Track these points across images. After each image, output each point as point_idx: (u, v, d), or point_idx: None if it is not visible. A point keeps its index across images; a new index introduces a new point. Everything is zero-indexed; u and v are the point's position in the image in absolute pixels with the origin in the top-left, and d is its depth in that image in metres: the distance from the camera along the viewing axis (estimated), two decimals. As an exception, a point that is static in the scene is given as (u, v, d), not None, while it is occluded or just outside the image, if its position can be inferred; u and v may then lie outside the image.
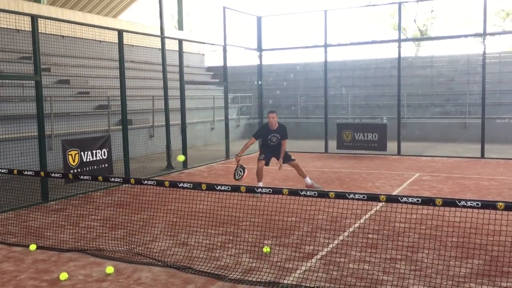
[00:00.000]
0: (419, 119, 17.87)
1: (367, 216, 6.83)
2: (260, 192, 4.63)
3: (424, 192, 8.60)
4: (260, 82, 15.80)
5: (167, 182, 5.08)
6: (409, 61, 19.55)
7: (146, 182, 5.34)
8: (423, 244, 5.49)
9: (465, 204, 3.93)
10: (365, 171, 11.14)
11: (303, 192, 4.48)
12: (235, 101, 20.66)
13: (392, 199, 4.33)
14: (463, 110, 17.59)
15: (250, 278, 4.55)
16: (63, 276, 4.67)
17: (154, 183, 5.32)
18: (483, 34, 12.72)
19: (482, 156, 12.67)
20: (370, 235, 5.91)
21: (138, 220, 6.79)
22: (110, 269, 4.81)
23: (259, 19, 15.35)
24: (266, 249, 5.37)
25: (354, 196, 4.26)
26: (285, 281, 4.49)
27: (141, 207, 7.29)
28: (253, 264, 4.97)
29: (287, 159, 8.89)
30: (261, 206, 6.85)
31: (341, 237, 5.92)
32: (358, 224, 6.46)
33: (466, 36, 15.21)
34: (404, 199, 4.17)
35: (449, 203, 4.04)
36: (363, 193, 4.29)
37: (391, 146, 13.66)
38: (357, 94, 19.57)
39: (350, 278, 4.56)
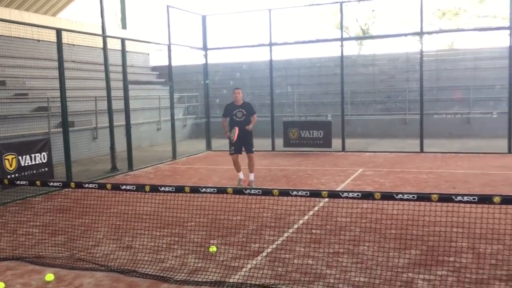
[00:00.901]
0: (362, 116, 18.39)
1: (311, 212, 6.95)
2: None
3: (366, 186, 8.87)
4: (207, 82, 15.73)
5: (109, 185, 4.97)
6: (352, 60, 20.06)
7: (87, 185, 5.19)
8: (364, 237, 5.66)
9: (402, 197, 4.09)
10: (311, 168, 11.34)
11: (248, 191, 4.51)
12: (181, 100, 20.45)
13: (333, 194, 4.45)
14: (403, 107, 18.27)
15: (196, 279, 4.54)
16: (0, 286, 4.47)
17: (95, 186, 5.19)
18: (420, 33, 13.26)
19: (421, 151, 13.21)
20: (314, 231, 6.03)
21: (80, 225, 6.59)
22: (49, 277, 4.64)
23: (204, 18, 15.28)
24: (212, 248, 5.36)
25: (298, 193, 4.34)
26: (231, 280, 4.51)
27: (83, 211, 7.07)
28: (199, 265, 4.95)
29: (249, 149, 9.06)
30: (206, 206, 6.82)
31: (286, 234, 6.01)
32: (303, 221, 6.58)
33: (404, 35, 15.76)
34: (345, 194, 4.28)
35: (387, 196, 4.20)
36: (306, 190, 4.37)
37: (336, 142, 13.98)
38: (303, 92, 19.88)
39: (294, 274, 4.63)
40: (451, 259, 4.85)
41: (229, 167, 11.60)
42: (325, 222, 6.32)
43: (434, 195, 3.99)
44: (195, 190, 4.68)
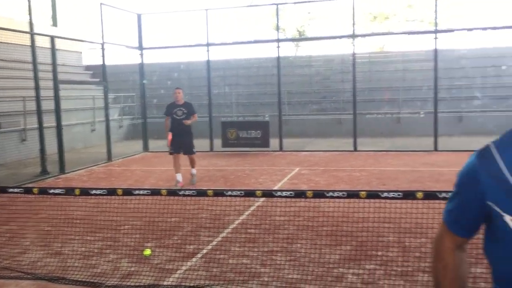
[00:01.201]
0: (299, 116, 18.74)
1: (248, 212, 7.00)
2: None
3: (302, 185, 9.06)
4: (144, 81, 15.44)
5: (36, 189, 4.76)
6: (290, 61, 20.40)
7: (12, 190, 4.95)
8: (298, 235, 5.78)
9: (333, 195, 4.22)
10: (249, 167, 11.43)
11: (182, 192, 4.48)
12: (117, 101, 19.93)
13: (268, 194, 4.51)
14: (338, 107, 18.80)
15: (128, 283, 4.45)
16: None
17: (21, 190, 4.95)
18: (353, 36, 13.71)
19: (355, 149, 13.67)
20: (250, 230, 6.08)
21: (5, 232, 6.26)
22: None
23: (139, 17, 14.98)
24: (146, 252, 5.27)
25: (232, 193, 4.36)
26: (165, 283, 4.46)
27: (9, 217, 6.72)
28: (133, 269, 4.86)
29: (189, 150, 9.26)
30: (142, 208, 6.67)
31: (222, 234, 6.02)
32: (240, 220, 6.61)
33: (338, 37, 16.22)
34: (279, 193, 4.36)
35: (319, 195, 4.31)
36: (241, 190, 4.40)
37: (274, 142, 14.17)
38: (241, 92, 19.98)
39: (229, 274, 4.65)
40: (380, 253, 5.06)
41: (166, 168, 11.46)
42: (261, 221, 6.40)
43: (363, 192, 4.15)
44: (128, 192, 4.59)
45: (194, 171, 9.45)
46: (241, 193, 4.28)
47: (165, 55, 22.68)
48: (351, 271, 4.61)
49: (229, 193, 4.29)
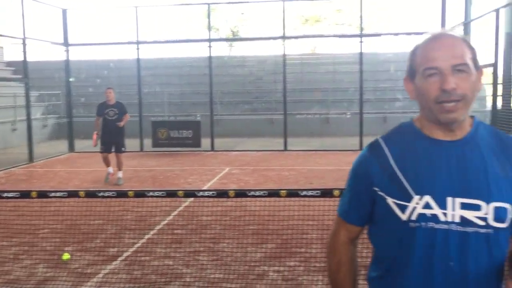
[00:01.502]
0: (231, 115, 18.79)
1: (175, 212, 6.93)
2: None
3: (231, 185, 9.09)
4: (71, 79, 14.85)
5: None
6: (224, 61, 20.40)
7: None
8: (224, 235, 5.80)
9: (255, 194, 4.26)
10: (179, 168, 11.31)
11: (101, 194, 4.33)
12: (41, 99, 19.01)
13: (189, 194, 4.46)
14: (270, 107, 19.07)
15: (43, 290, 4.25)
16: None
17: None
18: (283, 37, 13.95)
19: (285, 149, 13.92)
20: (176, 231, 6.02)
21: None
22: None
23: (64, 12, 14.39)
24: (65, 256, 5.06)
25: (154, 193, 4.28)
26: (83, 287, 4.31)
27: None
28: (49, 274, 4.65)
29: (118, 148, 9.35)
30: (64, 211, 6.41)
31: (148, 236, 5.91)
32: (167, 221, 6.53)
33: (269, 38, 16.45)
34: (201, 193, 4.33)
35: (241, 194, 4.33)
36: (163, 190, 4.33)
37: (205, 142, 14.12)
38: (172, 92, 19.73)
39: (152, 276, 4.58)
40: (302, 250, 5.19)
41: (93, 169, 11.11)
42: (188, 221, 6.35)
43: (283, 191, 4.22)
44: (42, 195, 4.37)
45: (120, 174, 9.37)
46: (163, 194, 4.20)
47: (95, 53, 21.92)
48: (273, 268, 4.69)
49: (151, 193, 4.20)
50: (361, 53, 13.53)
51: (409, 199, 1.41)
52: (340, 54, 20.22)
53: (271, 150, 14.03)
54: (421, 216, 1.40)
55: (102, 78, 20.77)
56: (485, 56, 12.77)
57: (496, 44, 9.36)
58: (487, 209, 1.38)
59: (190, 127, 14.26)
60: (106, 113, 9.29)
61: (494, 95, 9.47)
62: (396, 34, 15.41)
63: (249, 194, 4.28)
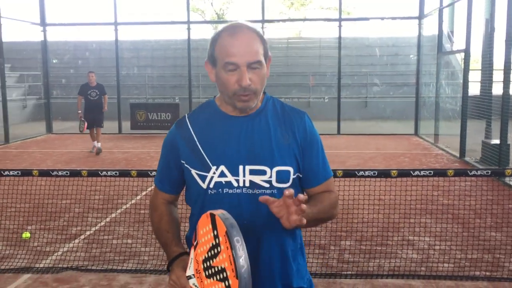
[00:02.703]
0: (207, 98, 18.76)
1: (144, 192, 6.99)
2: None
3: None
4: (54, 61, 14.72)
5: None
6: (204, 43, 20.28)
7: None
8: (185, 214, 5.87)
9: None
10: (155, 150, 11.33)
11: (55, 173, 4.38)
12: (21, 80, 18.83)
13: (142, 173, 4.51)
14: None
15: (-2, 267, 4.31)
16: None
17: None
18: (262, 21, 13.91)
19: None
20: (141, 211, 6.09)
21: None
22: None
23: (41, -9, 14.17)
24: (25, 234, 5.12)
25: (107, 173, 4.34)
26: (39, 265, 4.38)
27: None
28: (7, 252, 4.71)
29: (99, 124, 10.64)
30: (33, 190, 6.44)
31: (112, 215, 5.98)
32: (134, 201, 6.59)
33: (250, 21, 16.40)
34: (154, 173, 4.39)
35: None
36: (116, 170, 4.39)
37: (184, 125, 14.08)
38: (151, 74, 19.62)
39: (110, 254, 4.66)
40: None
41: (67, 150, 11.12)
42: (154, 202, 6.40)
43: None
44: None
45: (99, 144, 10.65)
46: (115, 173, 4.28)
47: (75, 34, 21.70)
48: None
49: (104, 173, 4.27)
50: (339, 38, 13.55)
51: (208, 169, 1.60)
52: (324, 38, 20.20)
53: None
54: (217, 184, 1.59)
55: (83, 59, 20.60)
56: (459, 41, 12.90)
57: (468, 30, 9.45)
58: (271, 173, 1.58)
59: (168, 109, 14.26)
60: (89, 93, 10.55)
61: (465, 81, 9.58)
62: (368, 19, 15.44)
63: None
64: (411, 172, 4.10)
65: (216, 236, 1.36)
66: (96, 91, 10.61)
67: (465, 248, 4.67)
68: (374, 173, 4.09)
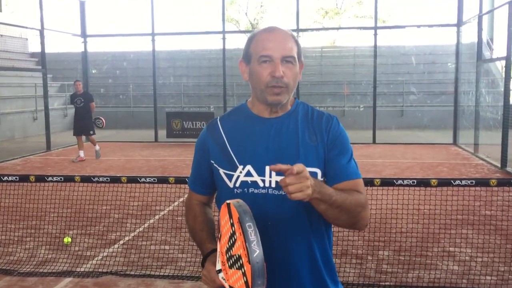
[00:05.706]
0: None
1: (181, 199, 7.07)
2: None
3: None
4: (94, 71, 15.17)
5: None
6: (239, 53, 20.46)
7: None
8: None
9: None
10: (190, 158, 11.32)
11: (96, 179, 4.49)
12: (62, 89, 19.45)
13: (180, 180, 4.57)
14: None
15: (42, 270, 4.44)
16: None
17: None
18: (297, 30, 13.93)
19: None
20: (178, 218, 6.16)
21: None
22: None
23: (82, 4, 14.65)
24: (66, 239, 5.26)
25: (146, 180, 4.43)
26: (80, 269, 4.48)
27: None
28: (50, 256, 4.85)
29: (87, 131, 11.05)
30: (74, 196, 6.62)
31: (151, 221, 6.07)
32: (172, 208, 6.68)
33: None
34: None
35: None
36: (155, 176, 4.48)
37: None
38: (187, 83, 19.92)
39: (147, 260, 4.73)
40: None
41: (106, 158, 11.38)
42: (190, 209, 6.47)
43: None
44: (40, 179, 4.56)
45: (97, 147, 11.15)
46: (154, 180, 4.36)
47: (113, 44, 22.28)
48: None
49: (143, 179, 4.35)
50: (375, 46, 13.42)
51: (234, 168, 1.63)
52: (359, 47, 20.07)
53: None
54: (243, 183, 1.61)
55: (121, 69, 21.13)
56: (499, 49, 12.55)
57: (509, 37, 9.19)
58: None
59: (203, 118, 14.41)
60: (75, 101, 11.02)
61: (506, 90, 9.31)
62: (403, 27, 15.23)
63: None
64: (452, 181, 4.01)
65: (232, 225, 1.36)
66: (81, 98, 10.98)
67: (508, 261, 4.51)
68: (413, 182, 4.02)
